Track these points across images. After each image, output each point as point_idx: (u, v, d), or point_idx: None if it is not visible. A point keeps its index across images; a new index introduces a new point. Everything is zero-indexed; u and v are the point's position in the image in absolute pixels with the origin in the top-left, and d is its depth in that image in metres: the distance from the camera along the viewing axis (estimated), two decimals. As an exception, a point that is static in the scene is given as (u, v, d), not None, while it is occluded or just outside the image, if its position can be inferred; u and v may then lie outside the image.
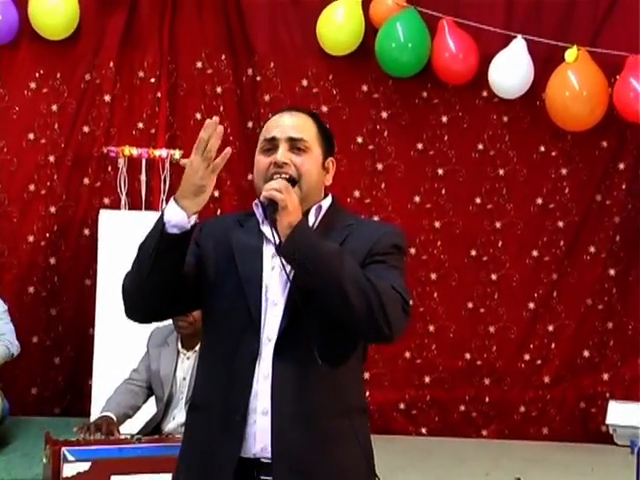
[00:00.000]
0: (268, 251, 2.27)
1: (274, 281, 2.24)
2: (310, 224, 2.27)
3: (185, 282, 2.26)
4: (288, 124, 2.30)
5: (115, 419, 3.85)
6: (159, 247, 2.16)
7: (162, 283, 2.21)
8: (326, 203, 2.35)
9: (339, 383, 2.20)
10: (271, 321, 2.21)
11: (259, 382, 2.18)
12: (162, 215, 2.17)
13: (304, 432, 2.17)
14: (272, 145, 2.28)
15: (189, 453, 2.31)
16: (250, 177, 5.48)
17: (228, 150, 2.19)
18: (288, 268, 2.17)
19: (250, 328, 2.21)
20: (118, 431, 3.79)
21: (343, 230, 2.28)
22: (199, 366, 2.40)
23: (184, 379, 4.06)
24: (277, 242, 2.17)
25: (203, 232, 2.36)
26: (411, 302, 2.24)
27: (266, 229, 2.27)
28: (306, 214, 2.25)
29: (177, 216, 2.15)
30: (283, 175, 2.23)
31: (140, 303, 2.28)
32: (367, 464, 2.28)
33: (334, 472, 2.20)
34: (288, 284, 2.20)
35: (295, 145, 2.28)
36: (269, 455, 2.17)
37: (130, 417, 4.06)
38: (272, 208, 2.15)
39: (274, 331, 2.20)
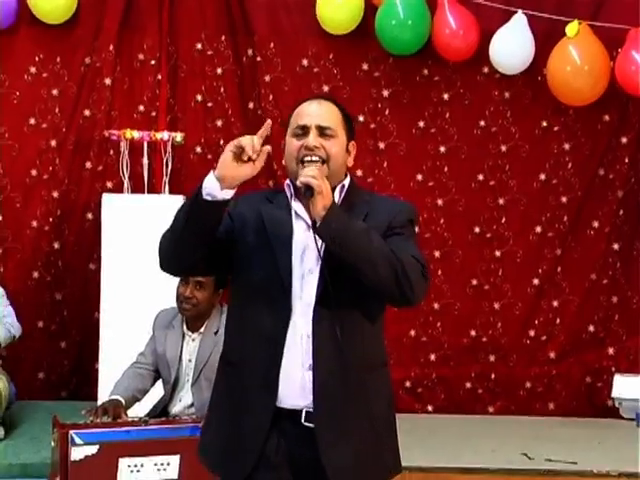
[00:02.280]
0: (299, 226, 2.56)
1: (309, 252, 2.51)
2: (336, 200, 2.52)
3: (218, 248, 2.53)
4: (317, 112, 2.58)
5: (123, 402, 3.85)
6: (192, 209, 2.44)
7: (193, 243, 2.47)
8: (347, 182, 2.64)
9: (370, 340, 2.57)
10: (308, 287, 2.50)
11: (302, 341, 2.47)
12: (201, 183, 2.42)
13: (342, 385, 2.47)
14: (303, 131, 2.56)
15: (224, 406, 2.59)
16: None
17: (269, 122, 2.47)
18: (319, 243, 2.45)
19: (282, 294, 2.49)
20: (126, 414, 3.80)
21: (362, 206, 2.59)
22: (229, 326, 2.66)
23: (190, 361, 4.07)
24: (312, 222, 2.45)
25: (238, 207, 2.62)
26: (428, 268, 2.54)
27: (296, 205, 2.58)
28: (332, 191, 2.50)
29: (212, 184, 2.41)
30: (314, 158, 2.52)
31: (172, 258, 2.54)
32: (390, 412, 2.65)
33: (367, 419, 2.53)
34: (320, 256, 2.47)
35: (324, 132, 2.56)
36: (312, 405, 2.46)
37: (139, 400, 4.07)
38: (309, 192, 2.41)
39: (312, 296, 2.49)
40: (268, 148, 2.43)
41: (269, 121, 2.48)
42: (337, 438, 2.47)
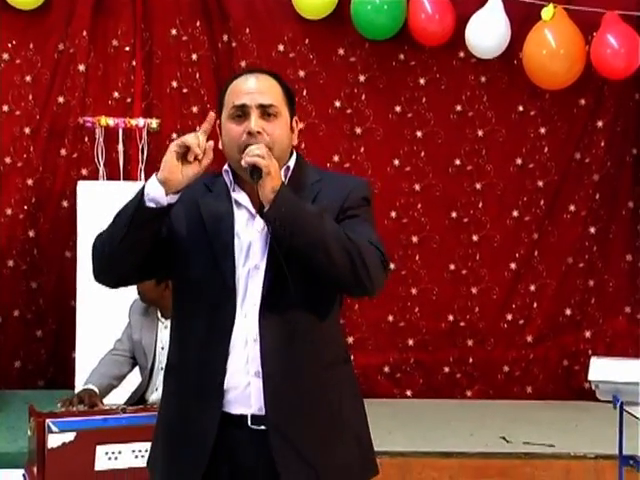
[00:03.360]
0: (241, 216, 2.31)
1: (254, 246, 2.27)
2: None
3: (156, 251, 2.29)
4: (256, 89, 2.31)
5: (97, 391, 3.84)
6: (134, 218, 2.20)
7: (132, 252, 2.25)
8: (292, 162, 2.37)
9: (323, 336, 2.30)
10: (253, 286, 2.26)
11: (248, 346, 2.24)
12: (143, 187, 2.20)
13: (296, 387, 2.25)
14: (242, 112, 2.29)
15: (168, 414, 2.38)
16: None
17: (212, 115, 2.25)
18: (264, 229, 2.23)
19: (224, 294, 2.26)
20: (102, 402, 3.79)
21: (312, 187, 2.33)
22: (172, 332, 2.42)
23: (162, 348, 4.05)
24: (260, 207, 2.20)
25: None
26: (387, 253, 2.30)
27: (237, 194, 2.32)
28: None
29: (156, 190, 2.19)
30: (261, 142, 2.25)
31: (108, 268, 2.31)
32: (357, 411, 2.39)
33: (327, 417, 2.30)
34: (267, 248, 2.25)
35: (266, 111, 2.29)
36: (264, 412, 2.24)
37: (115, 387, 4.05)
38: (257, 174, 2.17)
39: (257, 296, 2.25)
40: (212, 144, 2.23)
41: (212, 114, 2.25)
42: (293, 444, 2.23)
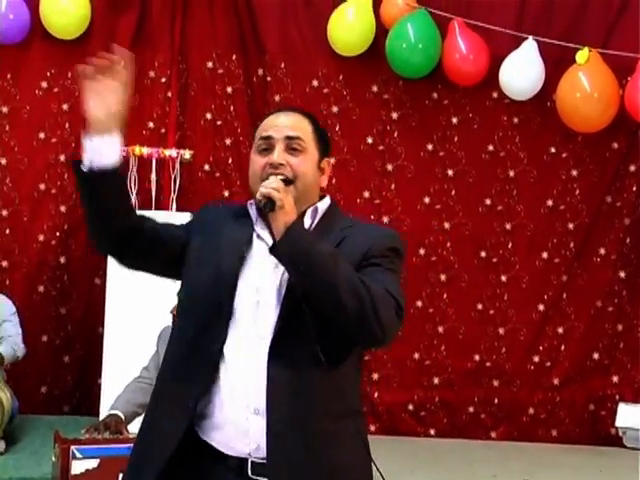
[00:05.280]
0: (258, 249, 2.25)
1: (266, 280, 2.21)
2: (307, 226, 2.25)
3: (160, 245, 2.29)
4: (284, 124, 2.30)
5: (123, 417, 3.83)
6: (82, 190, 2.18)
7: (106, 217, 2.20)
8: (323, 205, 2.33)
9: (336, 386, 2.18)
10: (262, 319, 2.18)
11: (250, 381, 2.15)
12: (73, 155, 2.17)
13: (301, 434, 2.13)
14: (268, 145, 2.28)
15: (141, 439, 2.29)
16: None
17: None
18: (273, 264, 2.18)
19: (217, 320, 2.18)
20: (126, 429, 3.78)
21: (340, 233, 2.25)
22: (167, 350, 2.35)
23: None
24: (272, 242, 2.16)
25: (201, 213, 2.41)
26: (404, 306, 2.20)
27: (260, 228, 2.28)
28: (302, 216, 2.24)
29: (91, 146, 2.13)
30: (280, 176, 2.21)
31: (92, 230, 2.26)
32: (366, 466, 2.25)
33: (333, 473, 2.17)
34: (284, 284, 2.18)
35: (291, 145, 2.27)
36: (263, 455, 2.13)
37: (139, 415, 4.04)
38: (269, 206, 2.13)
39: (268, 330, 2.16)
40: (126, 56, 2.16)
41: (117, 57, 2.16)
42: None
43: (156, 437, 2.21)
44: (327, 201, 2.34)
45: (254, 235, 2.27)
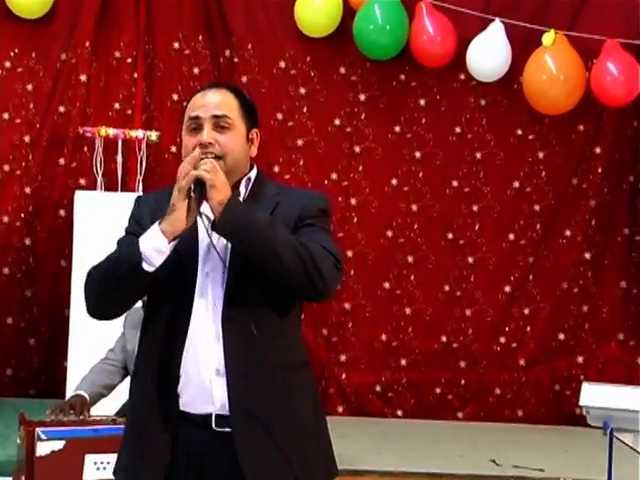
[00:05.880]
0: (202, 224, 2.34)
1: (213, 251, 2.32)
2: (241, 195, 2.38)
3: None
4: (211, 102, 2.38)
5: (88, 398, 3.81)
6: (128, 277, 2.28)
7: (127, 297, 2.37)
8: (253, 174, 2.44)
9: (284, 339, 2.35)
10: (212, 287, 2.32)
11: (210, 345, 2.29)
12: (137, 248, 2.26)
13: (259, 387, 2.29)
14: (197, 124, 2.37)
15: (130, 424, 2.43)
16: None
17: (193, 173, 2.27)
18: (216, 239, 2.29)
19: (183, 294, 2.31)
20: (88, 411, 3.77)
21: (272, 199, 2.39)
22: (140, 334, 2.47)
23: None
24: (211, 219, 2.26)
25: (140, 206, 2.48)
26: (342, 260, 2.35)
27: (203, 208, 2.35)
28: (237, 186, 2.37)
29: (157, 245, 2.25)
30: (209, 155, 2.31)
31: (102, 307, 2.41)
32: (317, 413, 2.42)
33: (290, 419, 2.33)
34: (226, 252, 2.31)
35: (219, 123, 2.36)
36: (227, 411, 2.27)
37: (105, 396, 4.03)
38: (201, 188, 2.24)
39: (218, 296, 2.30)
40: (193, 173, 2.28)
41: (193, 173, 2.26)
42: (258, 445, 2.26)
43: (148, 445, 2.32)
44: (255, 170, 2.46)
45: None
